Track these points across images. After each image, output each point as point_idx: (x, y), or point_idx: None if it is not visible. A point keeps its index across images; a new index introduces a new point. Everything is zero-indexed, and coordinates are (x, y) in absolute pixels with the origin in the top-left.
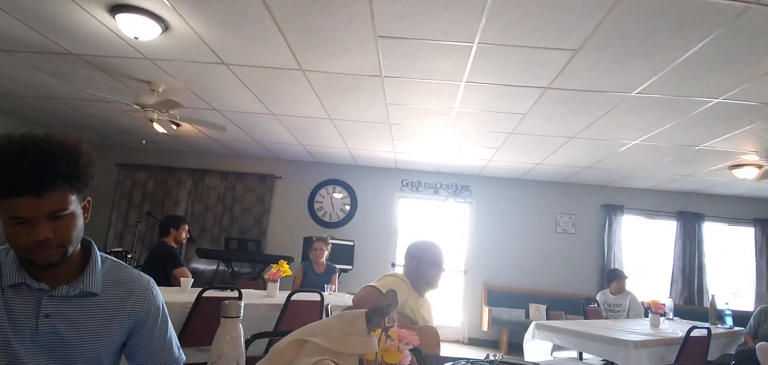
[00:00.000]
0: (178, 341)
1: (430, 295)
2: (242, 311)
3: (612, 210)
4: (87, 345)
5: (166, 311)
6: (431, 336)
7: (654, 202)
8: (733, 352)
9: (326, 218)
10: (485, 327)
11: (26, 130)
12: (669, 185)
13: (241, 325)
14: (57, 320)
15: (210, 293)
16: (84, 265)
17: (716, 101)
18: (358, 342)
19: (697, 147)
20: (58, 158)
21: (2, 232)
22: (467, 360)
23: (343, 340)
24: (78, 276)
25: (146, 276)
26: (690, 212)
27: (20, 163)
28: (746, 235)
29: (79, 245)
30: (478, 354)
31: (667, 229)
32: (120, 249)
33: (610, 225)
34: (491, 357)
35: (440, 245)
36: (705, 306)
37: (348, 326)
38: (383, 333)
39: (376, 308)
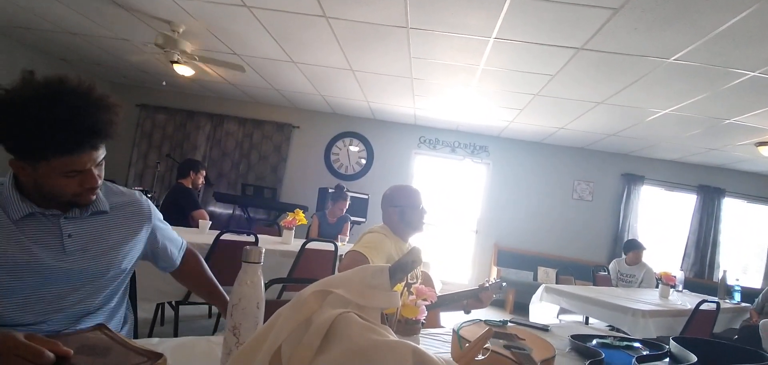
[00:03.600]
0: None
1: (413, 239)
2: (263, 257)
3: (632, 180)
4: (113, 256)
5: None
6: (426, 281)
7: (675, 174)
8: (737, 327)
9: (342, 171)
10: None
11: (48, 65)
12: (693, 157)
13: (261, 270)
14: (80, 238)
15: (227, 236)
16: None
17: (752, 74)
18: (381, 297)
19: (727, 121)
20: (110, 111)
21: None
22: (484, 320)
23: (366, 294)
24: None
25: (133, 191)
26: (711, 187)
27: (95, 124)
28: (763, 213)
29: None
30: (484, 313)
31: (686, 202)
32: (140, 188)
33: (629, 195)
34: (488, 283)
35: (417, 188)
36: (714, 280)
37: (370, 279)
38: (405, 289)
39: (400, 263)
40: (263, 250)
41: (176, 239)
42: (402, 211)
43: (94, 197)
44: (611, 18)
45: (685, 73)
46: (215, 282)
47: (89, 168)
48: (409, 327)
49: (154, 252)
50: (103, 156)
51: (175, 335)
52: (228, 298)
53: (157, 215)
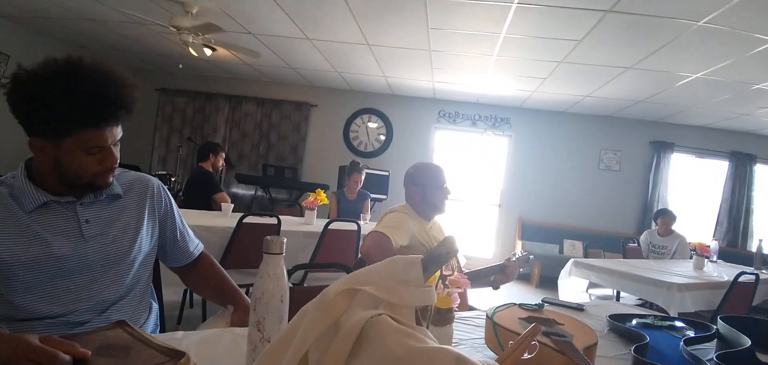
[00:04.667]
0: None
1: (437, 218)
2: (285, 247)
3: (661, 147)
4: (132, 238)
5: None
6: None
7: (706, 140)
8: None
9: (361, 148)
10: None
11: (67, 52)
12: (724, 123)
13: (283, 261)
14: (98, 223)
15: (250, 219)
16: None
17: None
18: (415, 293)
19: (756, 86)
20: (130, 87)
21: None
22: (519, 304)
23: (398, 291)
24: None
25: (148, 175)
26: (743, 153)
27: (116, 97)
28: None
29: None
30: (513, 290)
31: (717, 169)
32: (164, 172)
33: (658, 163)
34: (514, 257)
35: (440, 165)
36: (748, 249)
37: (402, 274)
38: (440, 281)
39: (433, 255)
40: (285, 240)
41: (192, 236)
42: (424, 190)
43: (112, 178)
44: None
45: (714, 37)
46: (232, 285)
47: (110, 145)
48: (442, 317)
49: (163, 237)
50: (120, 135)
51: (203, 318)
52: (246, 299)
53: (169, 196)
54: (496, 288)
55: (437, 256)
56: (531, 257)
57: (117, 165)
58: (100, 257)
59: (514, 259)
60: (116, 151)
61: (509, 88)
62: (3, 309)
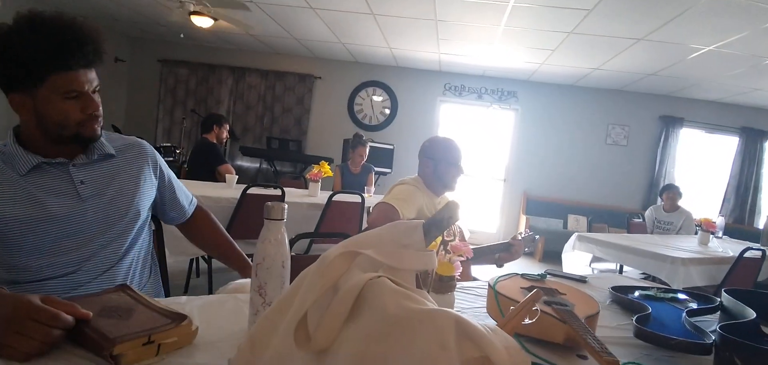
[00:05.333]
0: None
1: (448, 194)
2: (286, 213)
3: (671, 122)
4: (128, 198)
5: None
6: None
7: (717, 115)
8: None
9: (366, 121)
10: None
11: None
12: (736, 98)
13: (284, 227)
14: (93, 183)
15: (254, 190)
16: None
17: None
18: (415, 257)
19: None
20: (93, 28)
21: None
22: (521, 274)
23: (398, 254)
24: (85, 147)
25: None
26: (754, 129)
27: (80, 35)
28: None
29: None
30: (518, 263)
31: (727, 145)
32: (168, 144)
33: (667, 138)
34: (520, 236)
35: (457, 142)
36: (755, 226)
37: (403, 238)
38: (441, 247)
39: (435, 220)
40: (285, 206)
41: (186, 191)
42: (436, 165)
43: (99, 129)
44: None
45: (728, 8)
46: (230, 241)
47: (87, 91)
48: (444, 284)
49: (162, 196)
50: (97, 83)
51: (209, 288)
52: (245, 258)
53: (161, 159)
54: (500, 266)
55: (439, 221)
56: (536, 237)
57: (100, 113)
58: (98, 218)
59: (519, 238)
60: (97, 99)
61: (517, 60)
62: (7, 272)
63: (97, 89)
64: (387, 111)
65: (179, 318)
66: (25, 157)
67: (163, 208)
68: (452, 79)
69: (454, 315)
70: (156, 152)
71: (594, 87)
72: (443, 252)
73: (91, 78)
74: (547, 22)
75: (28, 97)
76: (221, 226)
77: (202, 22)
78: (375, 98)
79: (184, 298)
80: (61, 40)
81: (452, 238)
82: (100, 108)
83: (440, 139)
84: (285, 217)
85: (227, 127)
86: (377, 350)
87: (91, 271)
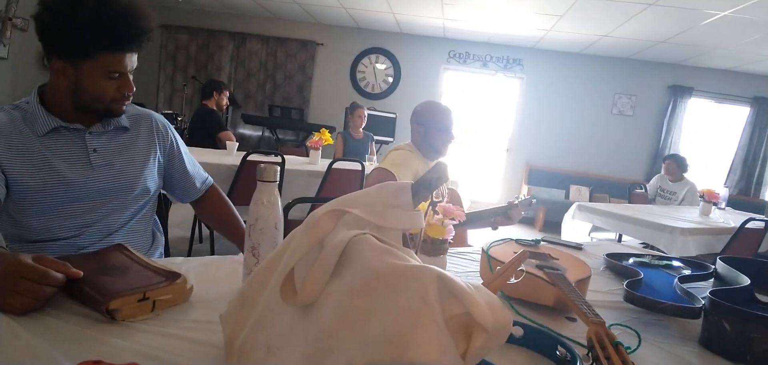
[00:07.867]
0: None
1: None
2: (278, 175)
3: (679, 92)
4: (138, 172)
5: None
6: (453, 199)
7: (728, 84)
8: None
9: (369, 89)
10: None
11: None
12: (749, 66)
13: (277, 189)
14: (105, 153)
15: (254, 157)
16: None
17: None
18: (402, 217)
19: None
20: (150, 17)
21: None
22: (515, 240)
23: (386, 214)
24: (101, 118)
25: (153, 111)
26: (766, 98)
27: (139, 22)
28: None
29: None
30: (514, 232)
31: (736, 115)
32: (170, 112)
33: (674, 108)
34: (517, 200)
35: (449, 107)
36: (761, 198)
37: (391, 199)
38: (430, 208)
39: (423, 180)
40: (278, 168)
41: (201, 171)
42: (426, 130)
43: (125, 108)
44: None
45: None
46: (240, 224)
47: (128, 72)
48: (435, 247)
49: (171, 176)
50: (136, 65)
51: (212, 252)
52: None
53: (176, 134)
54: (494, 228)
55: (428, 181)
56: (533, 200)
57: (132, 94)
58: (106, 187)
59: (516, 202)
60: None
61: (523, 27)
62: (15, 229)
63: (133, 70)
64: (390, 79)
65: (174, 276)
66: (45, 119)
67: (172, 185)
68: (457, 46)
69: (436, 270)
70: (168, 125)
71: (602, 55)
72: (432, 213)
73: (134, 60)
74: None
75: (72, 66)
76: (233, 208)
77: None
78: (378, 65)
79: (180, 259)
80: (122, 24)
81: (441, 199)
82: (134, 88)
83: (432, 104)
84: (278, 179)
85: (227, 94)
86: (360, 304)
87: (93, 235)
